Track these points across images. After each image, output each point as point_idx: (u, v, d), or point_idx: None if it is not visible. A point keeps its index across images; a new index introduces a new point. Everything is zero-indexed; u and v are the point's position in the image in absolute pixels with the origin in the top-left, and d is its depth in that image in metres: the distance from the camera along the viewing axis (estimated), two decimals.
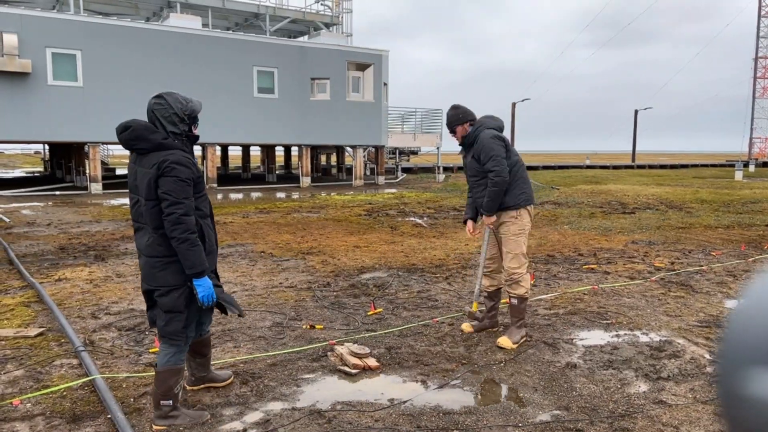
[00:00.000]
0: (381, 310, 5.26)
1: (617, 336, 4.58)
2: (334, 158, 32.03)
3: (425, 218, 12.13)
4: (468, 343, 4.39)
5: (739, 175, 27.48)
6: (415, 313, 5.20)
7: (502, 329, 4.68)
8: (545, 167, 38.54)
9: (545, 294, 5.86)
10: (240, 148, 27.81)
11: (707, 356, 4.12)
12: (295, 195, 18.23)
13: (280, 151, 31.07)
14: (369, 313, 5.14)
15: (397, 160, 28.78)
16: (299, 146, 21.94)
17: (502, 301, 4.84)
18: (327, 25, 26.39)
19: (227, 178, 26.35)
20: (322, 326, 4.77)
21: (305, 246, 8.61)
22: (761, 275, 0.72)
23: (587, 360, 4.07)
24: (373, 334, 4.59)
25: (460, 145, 4.67)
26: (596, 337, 4.57)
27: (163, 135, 2.99)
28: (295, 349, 4.24)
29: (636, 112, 45.78)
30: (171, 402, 3.08)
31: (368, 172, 27.45)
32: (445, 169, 30.35)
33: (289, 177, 26.85)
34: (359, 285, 6.22)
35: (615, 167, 39.54)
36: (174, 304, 3.02)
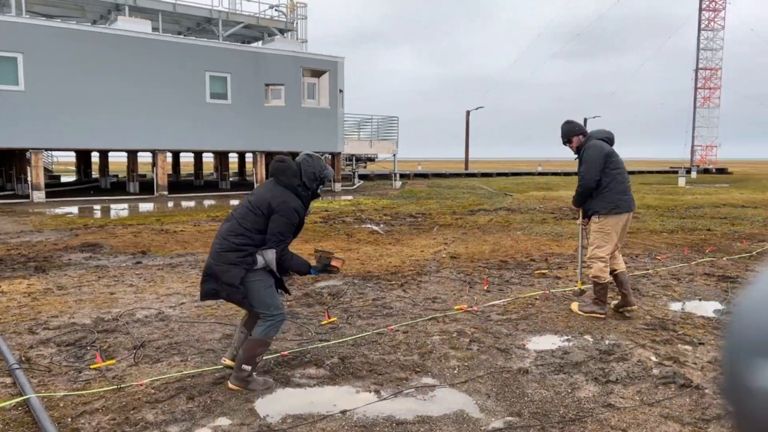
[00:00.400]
0: (335, 319, 5.19)
1: (568, 341, 4.65)
2: None
3: (382, 225, 12.12)
4: (422, 351, 4.38)
5: (682, 181, 28.64)
6: (370, 322, 5.15)
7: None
8: (499, 174, 39.23)
9: (498, 299, 5.91)
10: (192, 154, 27.21)
11: (653, 358, 4.22)
12: None
13: (234, 158, 30.58)
14: (323, 323, 5.06)
15: (354, 167, 28.73)
16: (253, 153, 21.64)
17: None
18: (281, 31, 26.18)
19: (179, 185, 25.73)
20: None
21: None
22: (765, 268, 0.72)
23: (539, 365, 4.10)
24: (326, 344, 4.52)
25: (575, 153, 5.42)
26: (547, 342, 4.63)
27: (298, 182, 3.75)
28: None
29: (585, 120, 47.15)
30: (251, 368, 3.62)
31: None
32: (402, 176, 30.50)
33: (243, 184, 26.42)
34: (313, 294, 6.13)
35: (566, 174, 40.59)
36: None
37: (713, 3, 48.08)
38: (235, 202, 17.95)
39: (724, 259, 8.21)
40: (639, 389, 3.68)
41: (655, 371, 3.97)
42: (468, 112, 42.83)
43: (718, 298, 6.05)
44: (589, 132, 5.42)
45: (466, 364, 4.13)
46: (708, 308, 5.67)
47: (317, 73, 22.49)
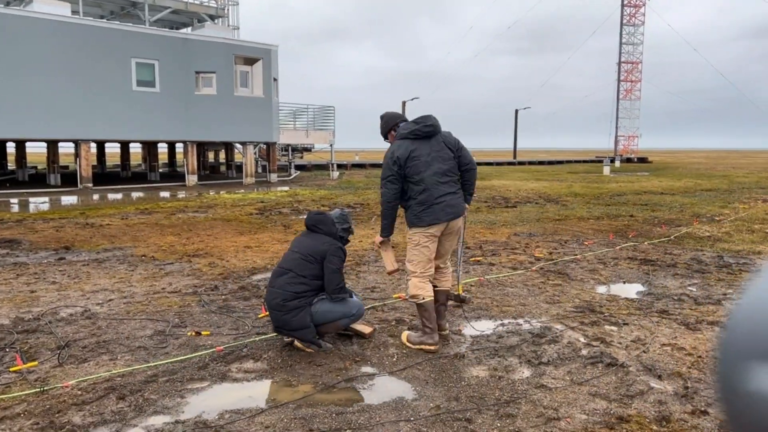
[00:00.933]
0: None
1: (502, 325, 4.78)
2: (223, 155, 30.90)
3: None
4: (361, 341, 4.38)
5: (606, 170, 30.01)
6: None
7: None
8: None
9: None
10: (119, 144, 26.00)
11: (582, 340, 4.41)
12: (181, 194, 17.35)
13: (163, 148, 29.46)
14: (260, 316, 4.97)
15: (290, 157, 28.34)
16: (184, 143, 20.91)
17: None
18: (212, 17, 25.38)
19: (105, 177, 24.55)
20: (208, 332, 4.55)
21: (191, 248, 8.20)
22: (761, 272, 0.73)
23: (475, 350, 4.20)
24: (264, 337, 4.45)
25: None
26: (483, 326, 4.74)
27: (336, 230, 4.40)
28: (178, 359, 3.99)
29: (516, 111, 48.50)
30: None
31: (260, 170, 26.80)
32: (339, 166, 30.36)
33: (173, 175, 25.53)
34: (250, 287, 6.01)
35: (498, 164, 41.66)
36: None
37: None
38: (165, 194, 17.32)
39: (646, 243, 8.68)
40: (569, 370, 3.84)
41: (584, 352, 4.15)
42: (404, 103, 43.09)
43: (640, 281, 6.39)
44: (398, 130, 4.36)
45: (404, 351, 4.17)
46: (631, 290, 5.98)
47: (250, 61, 21.96)
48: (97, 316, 4.96)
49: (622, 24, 50.71)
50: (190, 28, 25.35)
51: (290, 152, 28.07)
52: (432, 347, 4.15)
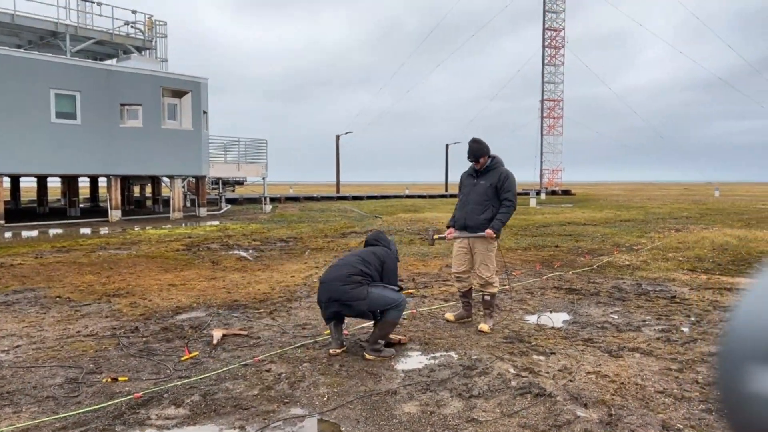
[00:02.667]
0: (197, 353, 4.88)
1: (434, 358, 4.77)
2: (149, 189, 29.82)
3: (250, 251, 11.75)
4: (291, 380, 4.24)
5: (533, 202, 31.17)
6: (235, 354, 4.91)
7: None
8: (369, 197, 40.00)
9: (368, 322, 5.93)
10: (35, 179, 24.58)
11: (512, 370, 4.46)
12: (103, 230, 16.53)
13: (85, 183, 28.12)
14: (183, 359, 4.73)
15: (221, 191, 27.72)
16: (107, 177, 20.03)
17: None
18: (138, 49, 24.75)
19: (19, 213, 23.08)
20: (126, 378, 4.27)
21: (111, 287, 7.77)
22: (761, 274, 0.72)
23: (407, 385, 4.16)
24: (187, 381, 4.22)
25: (477, 170, 5.80)
26: (415, 361, 4.71)
27: (387, 243, 5.40)
28: (91, 408, 3.71)
29: (447, 146, 49.86)
30: (383, 342, 4.88)
31: (188, 204, 26.02)
32: (272, 199, 29.96)
33: (95, 211, 24.35)
34: (173, 327, 5.73)
35: (431, 196, 42.45)
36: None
37: (554, 41, 53.50)
38: (86, 231, 16.44)
39: (570, 273, 9.00)
40: (499, 401, 3.85)
41: (513, 383, 4.19)
42: (338, 137, 43.39)
43: (566, 309, 6.58)
44: (495, 156, 5.83)
45: (335, 390, 4.07)
46: (558, 319, 6.15)
47: (179, 94, 21.50)
48: (1, 365, 4.57)
49: (543, 64, 53.58)
50: (115, 60, 24.60)
51: (221, 186, 27.49)
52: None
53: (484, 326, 5.63)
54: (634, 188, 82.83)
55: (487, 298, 5.77)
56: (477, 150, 5.72)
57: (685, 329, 5.65)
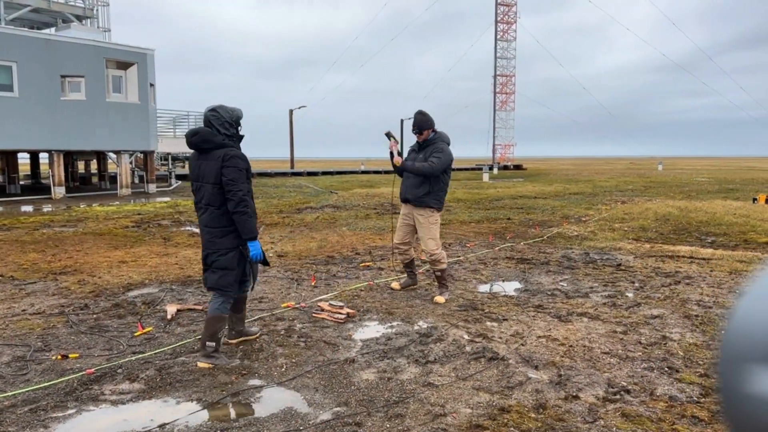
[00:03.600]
0: (151, 329, 4.80)
1: (391, 327, 4.85)
2: (94, 165, 28.71)
3: None
4: (248, 352, 4.24)
5: (486, 177, 31.64)
6: (190, 329, 4.85)
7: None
8: (324, 173, 39.74)
9: (325, 294, 5.96)
10: None
11: (466, 337, 4.58)
12: (46, 208, 15.86)
13: (25, 159, 26.84)
14: (136, 334, 4.65)
15: (171, 167, 26.96)
16: (49, 152, 19.17)
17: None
18: (79, 18, 23.57)
19: None
20: (77, 355, 4.17)
21: (58, 265, 7.51)
22: (761, 273, 0.71)
23: (365, 354, 4.22)
24: (141, 356, 4.16)
25: (418, 143, 5.84)
26: (372, 330, 4.78)
27: (221, 138, 4.00)
28: (41, 386, 3.62)
29: (402, 121, 49.85)
30: (215, 345, 3.99)
31: (137, 180, 25.23)
32: None
33: (37, 188, 23.31)
34: (125, 304, 5.61)
35: (386, 172, 42.48)
36: (229, 262, 4.02)
37: (506, 16, 53.83)
38: (27, 208, 15.74)
39: (522, 244, 9.24)
40: (454, 366, 3.96)
41: (468, 348, 4.31)
42: (291, 111, 42.71)
43: (517, 278, 6.77)
44: (439, 131, 5.83)
45: (293, 360, 4.09)
46: (510, 288, 6.33)
47: (124, 65, 20.64)
48: None
49: (496, 39, 53.91)
50: (53, 29, 23.36)
51: (170, 161, 26.74)
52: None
53: (439, 298, 5.72)
54: (583, 163, 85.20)
55: (438, 274, 5.82)
56: (421, 121, 5.73)
57: (630, 294, 5.91)
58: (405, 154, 6.02)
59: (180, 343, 4.44)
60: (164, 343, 4.45)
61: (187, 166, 31.55)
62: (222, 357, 4.04)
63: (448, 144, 5.78)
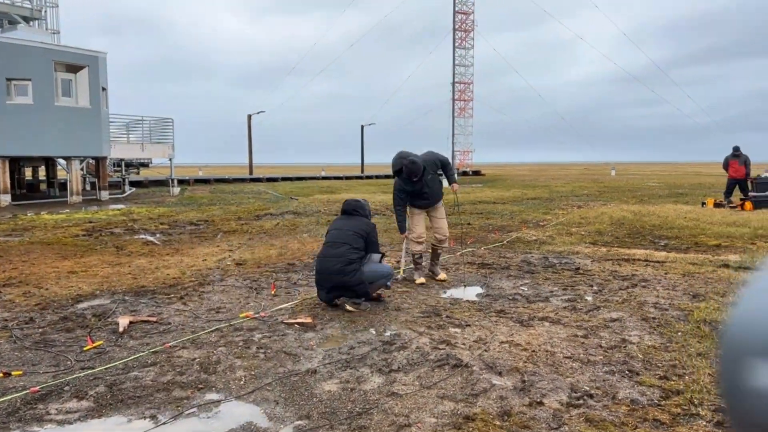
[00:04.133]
0: (101, 342, 4.58)
1: (354, 336, 4.76)
2: (43, 172, 27.60)
3: (158, 235, 11.19)
4: (205, 365, 4.08)
5: (445, 183, 31.88)
6: (144, 341, 4.65)
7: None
8: (284, 178, 39.33)
9: (286, 303, 5.83)
10: None
11: (429, 344, 4.53)
12: None
13: None
14: (86, 348, 4.42)
15: (124, 173, 26.18)
16: None
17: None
18: (26, 19, 22.70)
19: None
20: (21, 372, 3.93)
21: (1, 276, 7.12)
22: (762, 270, 0.71)
23: (326, 364, 4.12)
24: (90, 371, 3.95)
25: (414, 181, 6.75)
26: (334, 339, 4.68)
27: (366, 213, 5.96)
28: None
29: (362, 127, 49.88)
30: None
31: (88, 187, 24.38)
32: (181, 181, 28.72)
33: None
34: (74, 317, 5.34)
35: (347, 178, 42.39)
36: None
37: (464, 24, 54.59)
38: None
39: (482, 248, 9.29)
40: (418, 374, 3.91)
41: (432, 355, 4.27)
42: (249, 116, 42.18)
43: (479, 283, 6.79)
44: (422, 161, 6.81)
45: (253, 373, 3.96)
46: (472, 293, 6.33)
47: (74, 69, 19.94)
48: None
49: (454, 47, 54.59)
50: None
51: (124, 167, 25.99)
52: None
53: (443, 275, 7.01)
54: (539, 169, 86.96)
55: (440, 252, 7.21)
56: (413, 171, 6.61)
57: (589, 298, 5.99)
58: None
59: (133, 357, 4.24)
60: (116, 358, 4.25)
61: (140, 171, 30.77)
62: (363, 304, 5.55)
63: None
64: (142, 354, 4.32)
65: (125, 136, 25.24)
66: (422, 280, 6.88)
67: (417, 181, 6.71)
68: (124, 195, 23.65)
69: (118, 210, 16.67)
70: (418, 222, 7.07)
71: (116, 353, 4.36)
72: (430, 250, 7.35)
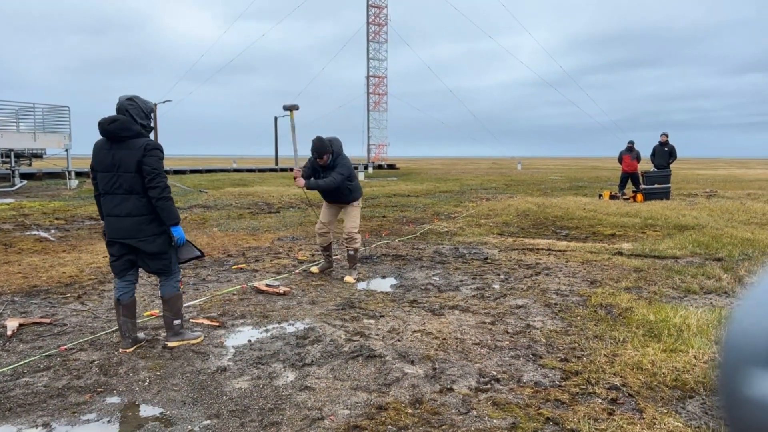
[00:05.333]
0: None
1: (266, 331, 4.67)
2: None
3: (53, 231, 10.42)
4: (106, 368, 3.85)
5: (361, 176, 32.05)
6: (36, 345, 4.32)
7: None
8: (193, 171, 37.82)
9: (194, 300, 5.61)
10: None
11: (343, 336, 4.54)
12: None
13: None
14: None
15: (14, 165, 24.12)
16: None
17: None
18: None
19: None
20: None
21: None
22: (762, 276, 0.69)
23: (237, 361, 4.01)
24: None
25: (321, 166, 6.34)
26: (246, 336, 4.57)
27: (138, 127, 4.08)
28: None
29: (276, 119, 48.98)
30: (180, 322, 4.33)
31: None
32: (78, 174, 26.88)
33: None
34: None
35: (260, 170, 41.46)
36: (162, 246, 4.18)
37: (378, 18, 54.88)
38: None
39: (397, 240, 9.41)
40: (332, 367, 3.90)
41: (346, 347, 4.27)
42: (155, 105, 40.17)
43: (393, 275, 6.87)
44: (335, 145, 6.36)
45: (158, 373, 3.78)
46: (386, 284, 6.40)
47: None
48: None
49: (368, 40, 54.77)
50: None
51: (13, 158, 23.96)
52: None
53: (349, 278, 6.50)
54: (451, 163, 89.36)
55: (351, 253, 6.64)
56: (319, 147, 6.20)
57: (496, 286, 6.23)
58: (298, 162, 6.52)
59: (23, 362, 3.93)
60: (3, 363, 3.91)
61: (33, 163, 28.48)
62: (188, 332, 4.39)
63: (341, 151, 6.42)
64: (33, 358, 4.01)
65: (14, 124, 23.26)
66: (315, 269, 6.95)
67: (318, 160, 6.35)
68: (15, 188, 21.82)
69: (7, 204, 15.34)
70: (324, 211, 6.88)
71: (3, 358, 4.02)
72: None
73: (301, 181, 6.24)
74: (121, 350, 4.16)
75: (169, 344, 4.25)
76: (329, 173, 6.28)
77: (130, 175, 4.01)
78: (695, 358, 3.92)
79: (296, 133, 6.53)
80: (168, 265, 4.27)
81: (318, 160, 6.26)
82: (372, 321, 4.95)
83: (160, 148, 4.09)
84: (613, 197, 16.59)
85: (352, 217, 6.64)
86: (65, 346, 4.24)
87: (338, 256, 7.95)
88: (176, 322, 4.29)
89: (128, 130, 4.03)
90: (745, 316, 0.68)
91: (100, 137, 4.14)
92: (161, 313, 5.08)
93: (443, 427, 3.05)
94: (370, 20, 54.35)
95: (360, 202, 6.78)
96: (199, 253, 4.49)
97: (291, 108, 6.42)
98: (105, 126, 4.04)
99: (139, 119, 4.10)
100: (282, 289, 5.87)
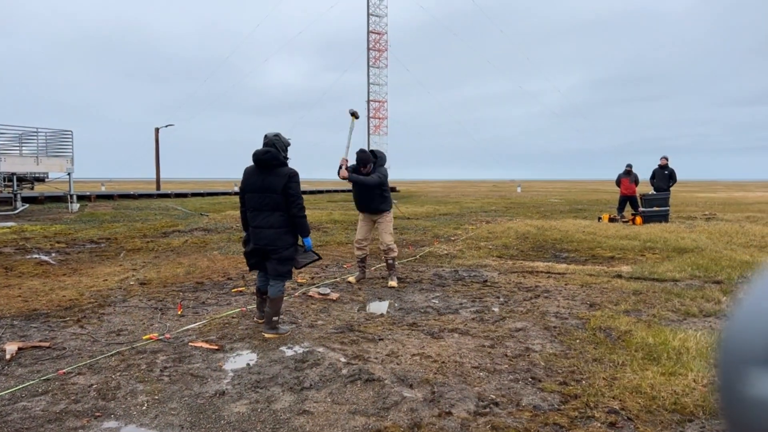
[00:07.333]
0: None
1: (265, 355, 4.67)
2: None
3: (54, 254, 10.44)
4: (104, 392, 3.85)
5: None
6: (34, 369, 4.32)
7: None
8: (194, 194, 37.95)
9: (193, 323, 5.61)
10: None
11: (342, 359, 4.53)
12: None
13: None
14: None
15: (16, 189, 24.24)
16: None
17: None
18: None
19: None
20: None
21: None
22: (761, 275, 0.69)
23: (236, 385, 4.01)
24: None
25: (364, 174, 7.26)
26: (245, 359, 4.56)
27: (282, 158, 5.07)
28: None
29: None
30: (278, 318, 5.17)
31: None
32: (81, 197, 27.00)
33: None
34: None
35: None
36: (291, 254, 5.13)
37: (377, 44, 55.61)
38: None
39: (396, 263, 9.41)
40: (330, 391, 3.89)
41: (344, 371, 4.26)
42: (157, 130, 40.49)
43: (392, 297, 6.87)
44: (378, 155, 7.44)
45: (156, 397, 3.77)
46: (383, 307, 6.40)
47: None
48: None
49: (369, 65, 55.43)
50: None
51: (15, 182, 24.09)
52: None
53: (392, 282, 7.44)
54: (451, 185, 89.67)
55: (390, 261, 7.52)
56: (362, 158, 7.24)
57: (496, 309, 6.23)
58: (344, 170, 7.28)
59: (21, 386, 3.92)
60: (1, 387, 3.91)
61: (35, 186, 28.62)
62: (282, 327, 5.20)
63: (384, 164, 7.47)
64: (32, 382, 4.01)
65: (17, 148, 23.43)
66: (352, 279, 7.72)
67: (362, 168, 7.31)
68: (16, 211, 21.89)
69: (8, 228, 15.38)
70: (360, 226, 7.73)
71: (2, 382, 4.01)
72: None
73: (345, 172, 7.03)
74: (255, 319, 5.55)
75: (266, 335, 5.07)
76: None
77: (277, 196, 4.96)
78: (694, 381, 3.91)
79: (351, 137, 7.23)
80: (289, 270, 5.18)
81: (362, 168, 7.22)
82: (371, 344, 4.94)
83: (298, 175, 5.06)
84: (612, 220, 16.62)
85: (387, 231, 7.49)
86: (63, 370, 4.24)
87: (349, 264, 7.95)
88: (275, 318, 5.12)
89: (276, 160, 5.00)
90: (744, 315, 0.68)
91: (250, 164, 5.14)
92: (160, 337, 5.09)
93: None
94: (371, 46, 55.08)
95: (391, 214, 7.59)
96: (316, 257, 5.39)
97: (354, 114, 7.28)
98: (259, 156, 5.02)
99: (282, 151, 5.09)
100: (334, 296, 6.59)
